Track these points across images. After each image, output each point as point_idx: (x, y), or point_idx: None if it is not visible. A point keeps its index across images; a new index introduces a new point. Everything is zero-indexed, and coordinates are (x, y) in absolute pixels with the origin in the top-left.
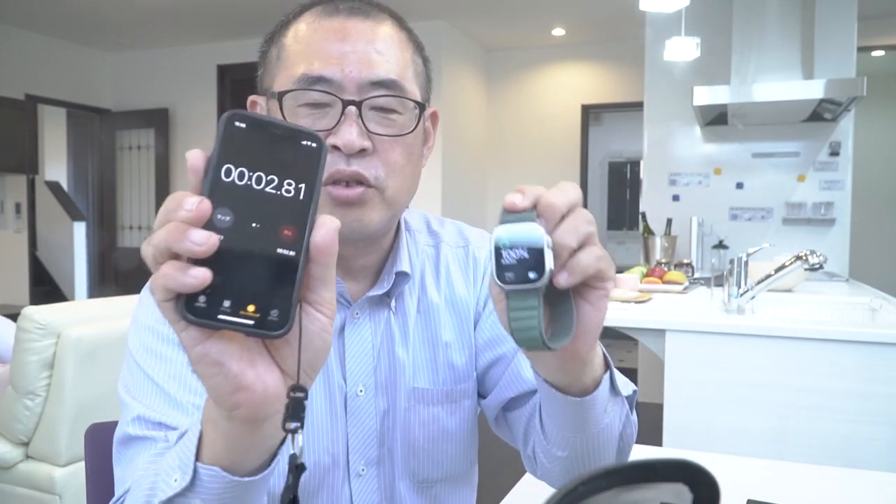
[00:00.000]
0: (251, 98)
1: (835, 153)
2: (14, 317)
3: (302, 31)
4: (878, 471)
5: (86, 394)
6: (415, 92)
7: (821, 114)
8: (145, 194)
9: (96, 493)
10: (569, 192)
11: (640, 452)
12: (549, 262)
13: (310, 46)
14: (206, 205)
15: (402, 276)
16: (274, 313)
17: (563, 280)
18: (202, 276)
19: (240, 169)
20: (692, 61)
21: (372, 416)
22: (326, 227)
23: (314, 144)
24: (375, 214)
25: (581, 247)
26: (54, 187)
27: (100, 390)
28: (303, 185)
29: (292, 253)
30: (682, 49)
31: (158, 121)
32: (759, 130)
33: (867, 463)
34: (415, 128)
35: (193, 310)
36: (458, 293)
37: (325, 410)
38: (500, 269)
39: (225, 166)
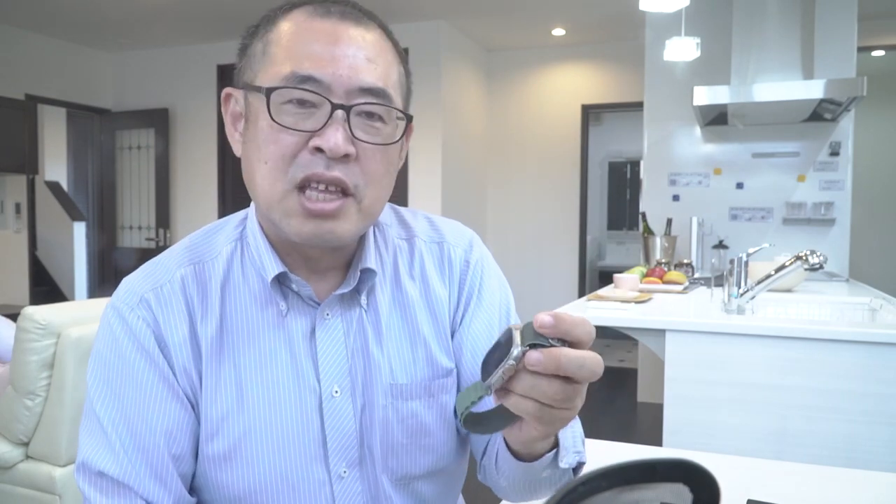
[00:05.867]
0: (226, 90)
1: (835, 153)
2: (14, 317)
3: (291, 29)
4: (878, 471)
5: (86, 394)
6: (399, 103)
7: (821, 114)
8: (145, 194)
9: None
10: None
11: (641, 452)
12: (492, 380)
13: (299, 45)
14: None
15: (369, 273)
16: None
17: (495, 398)
18: None
19: None
20: (692, 61)
21: (350, 417)
22: None
23: None
24: (350, 225)
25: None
26: (54, 187)
27: None
28: None
29: None
30: (682, 49)
31: (158, 121)
32: (759, 130)
33: (867, 463)
34: (399, 139)
35: None
36: (434, 290)
37: (295, 415)
38: (486, 356)
39: None
